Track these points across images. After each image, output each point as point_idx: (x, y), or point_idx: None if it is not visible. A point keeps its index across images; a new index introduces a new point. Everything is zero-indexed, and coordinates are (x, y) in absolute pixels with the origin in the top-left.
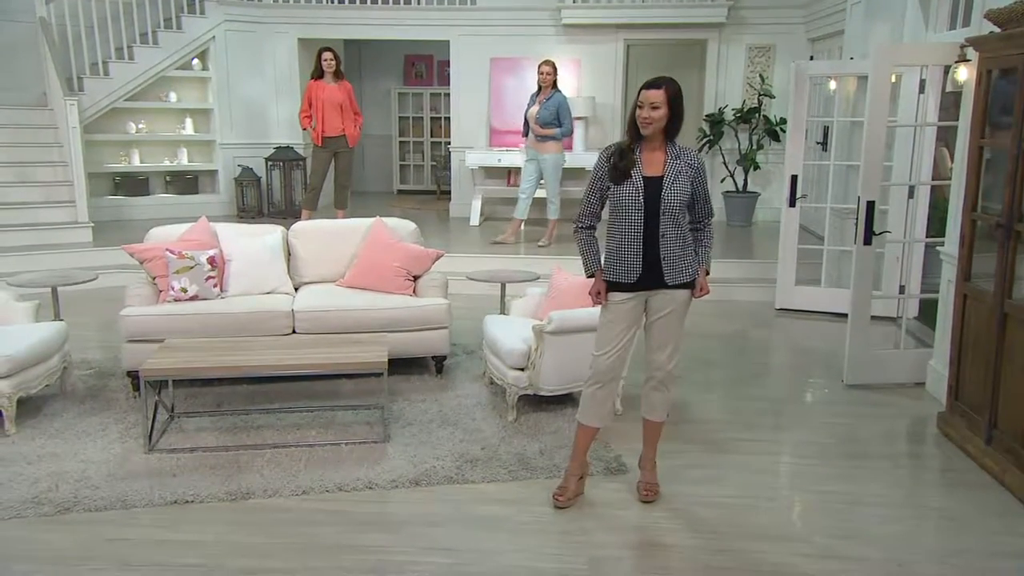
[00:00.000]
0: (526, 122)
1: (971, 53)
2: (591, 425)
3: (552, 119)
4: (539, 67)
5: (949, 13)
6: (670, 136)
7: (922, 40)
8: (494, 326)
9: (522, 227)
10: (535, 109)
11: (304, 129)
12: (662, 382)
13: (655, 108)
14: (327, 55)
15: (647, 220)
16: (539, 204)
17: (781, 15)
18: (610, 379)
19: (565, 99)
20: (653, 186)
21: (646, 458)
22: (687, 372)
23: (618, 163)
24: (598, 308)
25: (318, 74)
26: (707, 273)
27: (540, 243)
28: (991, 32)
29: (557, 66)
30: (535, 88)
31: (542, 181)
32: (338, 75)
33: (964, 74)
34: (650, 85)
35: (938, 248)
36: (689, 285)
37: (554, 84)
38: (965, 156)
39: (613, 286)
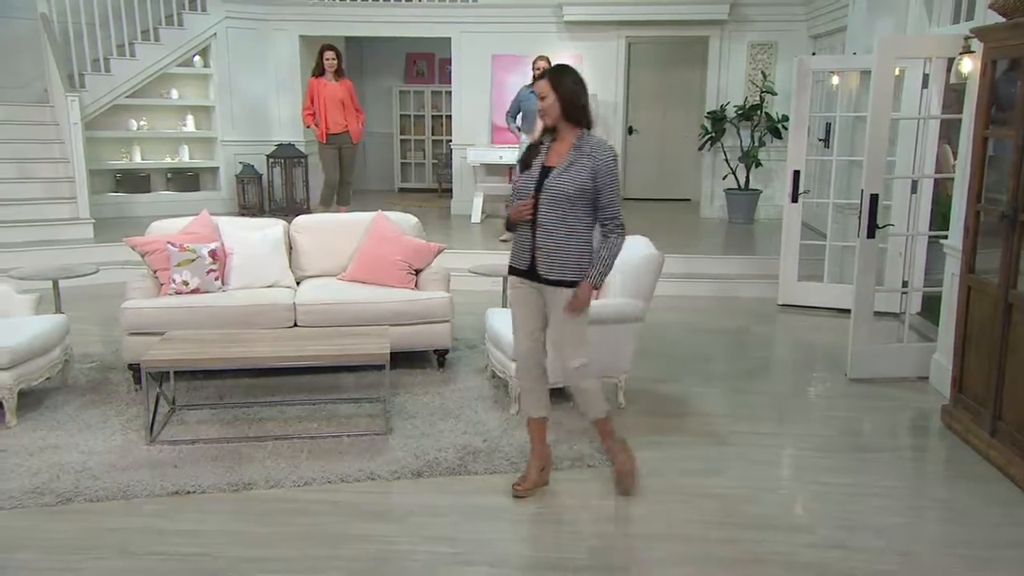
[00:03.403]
0: (527, 116)
1: (976, 44)
2: (534, 416)
3: None
4: (535, 63)
5: (952, 6)
6: (575, 123)
7: (925, 34)
8: (496, 319)
9: None
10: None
11: (307, 127)
12: (573, 383)
13: (543, 98)
14: (329, 53)
15: (537, 209)
16: None
17: (783, 12)
18: (532, 365)
19: None
20: (545, 175)
21: (606, 452)
22: (689, 366)
23: (526, 155)
24: (602, 301)
25: (319, 72)
26: (594, 288)
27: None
28: (996, 22)
29: (552, 62)
30: (529, 81)
31: None
32: (339, 73)
33: (968, 65)
34: (540, 77)
35: (942, 242)
36: (572, 284)
37: None
38: (969, 148)
39: (511, 269)
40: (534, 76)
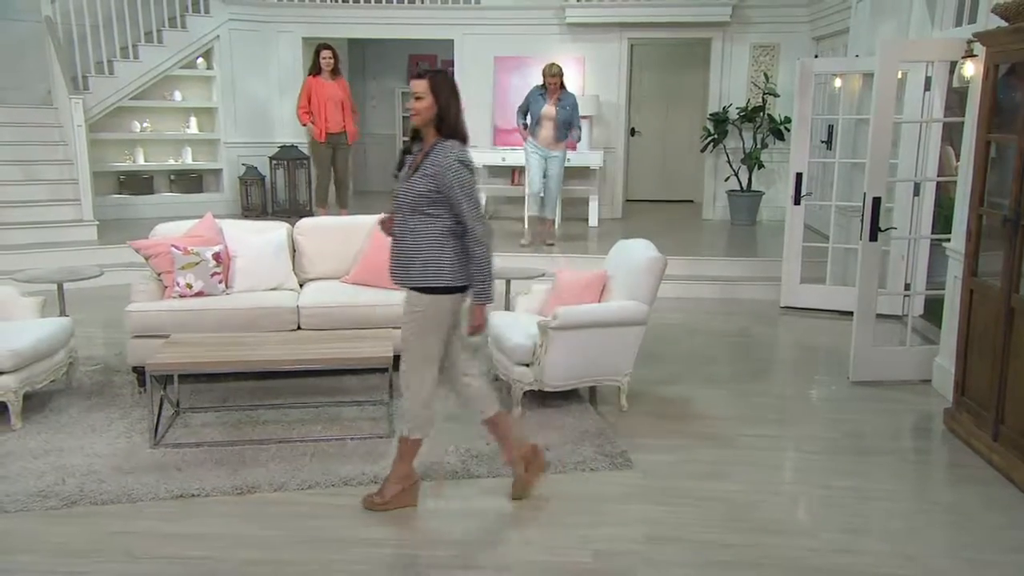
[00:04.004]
0: (533, 119)
1: (978, 48)
2: (489, 417)
3: (569, 118)
4: (545, 74)
5: (955, 10)
6: (445, 133)
7: (928, 37)
8: (499, 322)
9: (556, 227)
10: (551, 109)
11: (304, 125)
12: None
13: (418, 99)
14: (326, 52)
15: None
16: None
17: (785, 14)
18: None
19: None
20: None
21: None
22: (692, 368)
23: (400, 161)
24: (605, 304)
25: (315, 71)
26: (484, 305)
27: (548, 242)
28: (999, 26)
29: (563, 68)
30: (540, 82)
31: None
32: (335, 72)
33: (971, 69)
34: (415, 75)
35: (944, 245)
36: (421, 291)
37: (562, 84)
38: (972, 151)
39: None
40: (544, 83)
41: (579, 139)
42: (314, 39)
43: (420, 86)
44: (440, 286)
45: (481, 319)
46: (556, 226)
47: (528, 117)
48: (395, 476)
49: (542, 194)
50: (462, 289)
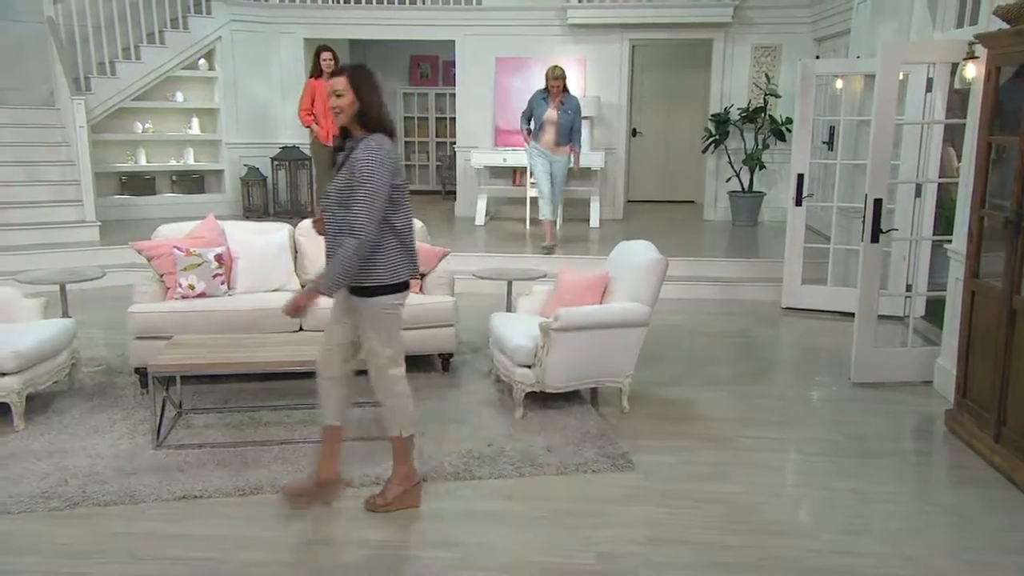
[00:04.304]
0: (536, 123)
1: (980, 50)
2: (324, 422)
3: (572, 122)
4: (548, 77)
5: (956, 11)
6: (370, 128)
7: (929, 38)
8: (501, 323)
9: (558, 228)
10: (553, 113)
11: (307, 127)
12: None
13: (339, 96)
14: (326, 54)
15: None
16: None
17: (787, 15)
18: (326, 376)
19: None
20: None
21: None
22: (693, 369)
23: (332, 157)
24: (607, 305)
25: (316, 73)
26: (317, 294)
27: (545, 245)
28: (1000, 29)
29: (566, 71)
30: (543, 86)
31: (533, 180)
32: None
33: (972, 71)
34: (335, 73)
35: (945, 246)
36: (364, 291)
37: (565, 87)
38: (973, 153)
39: None
40: (547, 86)
41: (579, 147)
42: (316, 40)
43: (340, 83)
44: (377, 285)
45: (303, 303)
46: (557, 227)
47: (531, 122)
48: (396, 477)
49: (546, 197)
50: (402, 287)
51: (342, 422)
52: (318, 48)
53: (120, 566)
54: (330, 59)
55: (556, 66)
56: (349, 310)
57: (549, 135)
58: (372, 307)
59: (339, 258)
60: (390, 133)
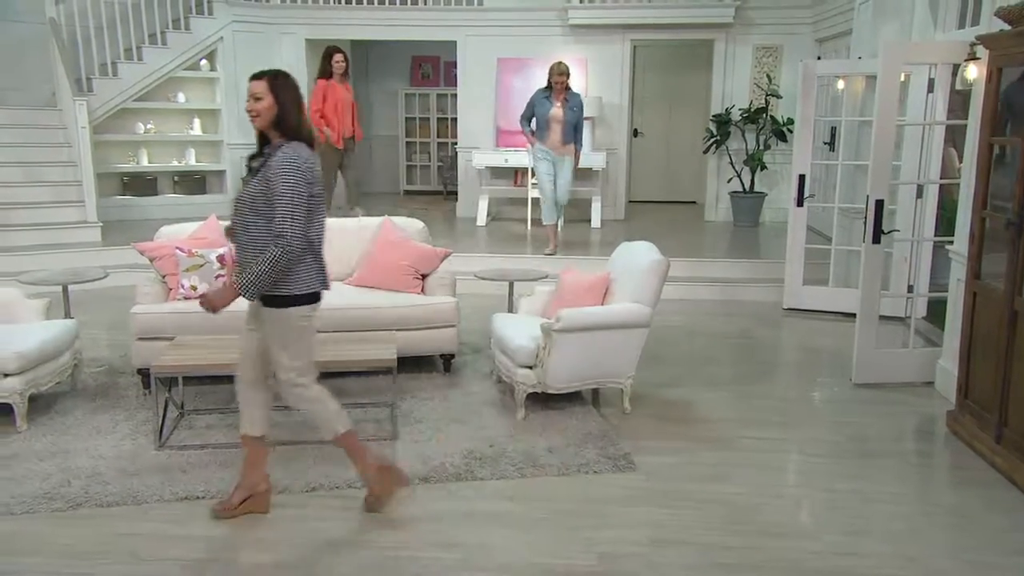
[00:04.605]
0: (540, 122)
1: (981, 51)
2: (244, 432)
3: (577, 120)
4: (552, 72)
5: (958, 12)
6: (288, 135)
7: (931, 39)
8: (502, 324)
9: (559, 229)
10: (558, 111)
11: (320, 129)
12: (290, 401)
13: (258, 99)
14: (338, 56)
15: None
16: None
17: (788, 15)
18: (242, 380)
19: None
20: None
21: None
22: (695, 370)
23: (247, 164)
24: (608, 307)
25: (327, 74)
26: (235, 295)
27: (548, 251)
28: (1001, 30)
29: (570, 68)
30: (544, 85)
31: (535, 181)
32: (345, 75)
33: (974, 72)
34: (253, 76)
35: (947, 247)
36: (275, 302)
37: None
38: (974, 154)
39: None
40: (549, 82)
41: (581, 146)
42: (317, 41)
43: (259, 87)
44: (288, 295)
45: (219, 304)
46: (559, 230)
47: (533, 122)
48: (368, 476)
49: (549, 201)
50: (313, 297)
51: (264, 431)
52: (329, 49)
53: (123, 567)
54: (342, 60)
55: (560, 62)
56: (258, 320)
57: (555, 134)
58: (282, 318)
59: (263, 263)
60: (308, 141)
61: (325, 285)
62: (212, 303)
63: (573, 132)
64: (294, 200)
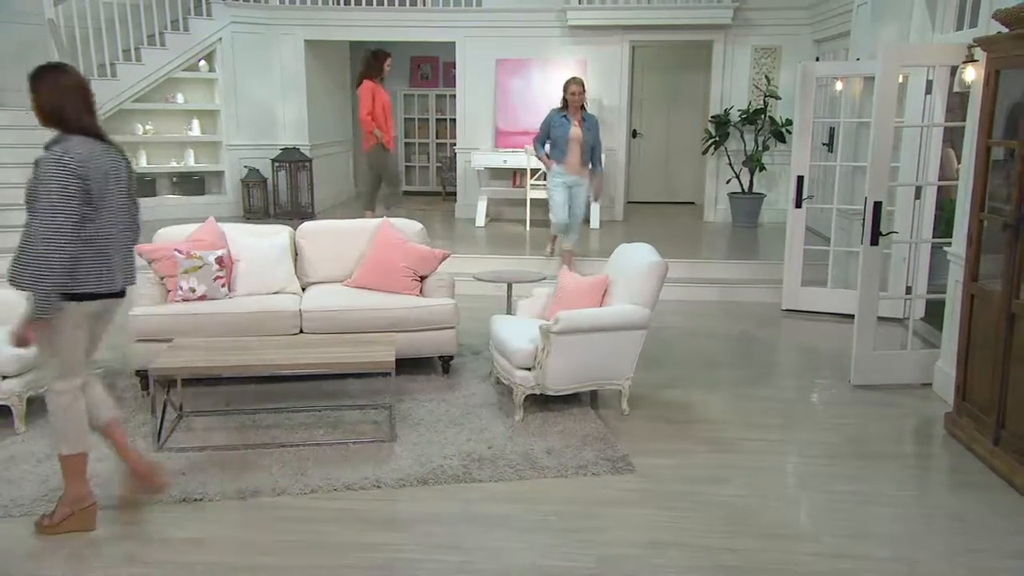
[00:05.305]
0: (558, 144)
1: (979, 53)
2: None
3: (594, 140)
4: (568, 86)
5: (956, 14)
6: (65, 129)
7: (929, 41)
8: (501, 326)
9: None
10: (578, 131)
11: (370, 132)
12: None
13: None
14: (390, 60)
15: None
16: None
17: (787, 16)
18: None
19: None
20: None
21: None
22: (693, 372)
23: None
24: (606, 308)
25: (376, 76)
26: (36, 322)
27: (547, 254)
28: (999, 32)
29: (585, 87)
30: (559, 105)
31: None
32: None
33: (972, 74)
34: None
35: (945, 249)
36: (32, 294)
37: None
38: (972, 156)
39: None
40: (564, 100)
41: (601, 170)
42: (316, 41)
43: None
44: (43, 289)
45: (25, 335)
46: (574, 244)
47: (548, 145)
48: (66, 498)
49: (565, 222)
50: (81, 297)
51: (107, 421)
52: (378, 52)
53: (120, 569)
54: (390, 64)
55: (576, 77)
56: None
57: (574, 155)
58: (38, 310)
59: (31, 266)
60: (94, 134)
61: (110, 288)
62: (19, 340)
63: (591, 153)
64: (48, 194)
